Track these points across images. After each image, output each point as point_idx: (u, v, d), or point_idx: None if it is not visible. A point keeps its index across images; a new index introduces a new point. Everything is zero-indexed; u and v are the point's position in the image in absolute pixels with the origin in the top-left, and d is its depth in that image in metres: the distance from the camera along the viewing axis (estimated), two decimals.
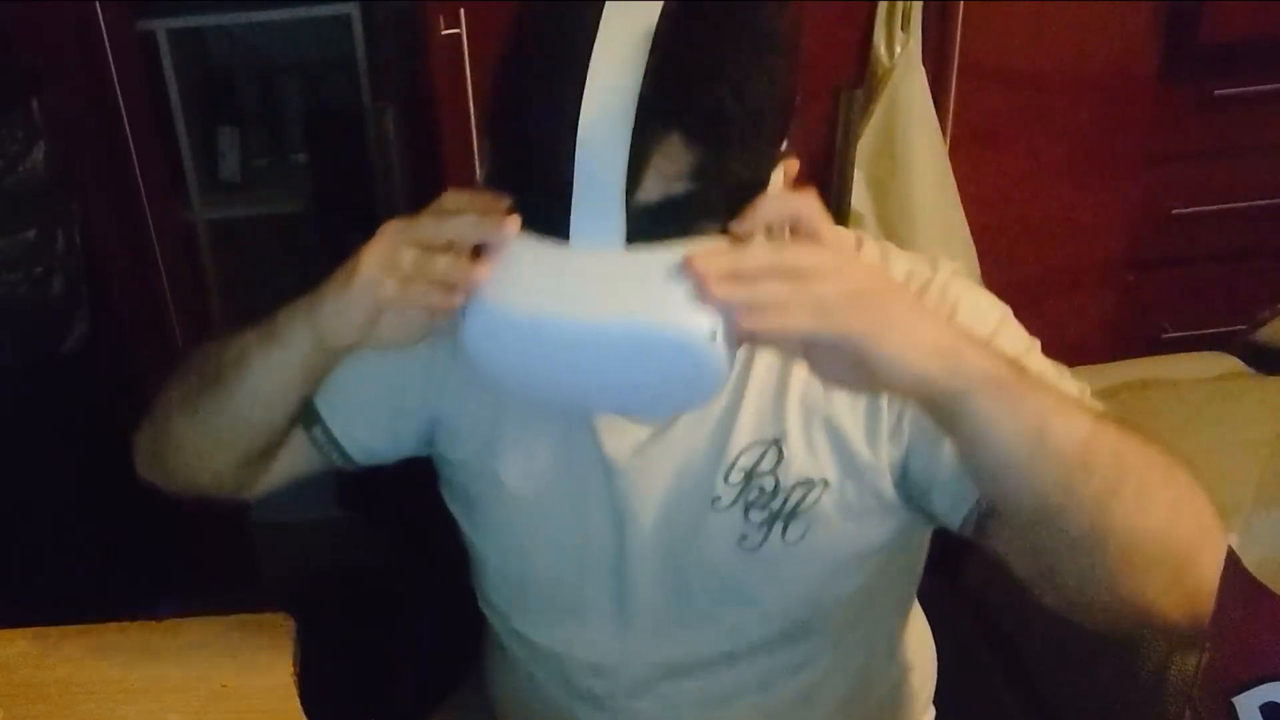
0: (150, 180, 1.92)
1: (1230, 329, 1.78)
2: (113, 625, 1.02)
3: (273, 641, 0.99)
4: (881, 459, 0.84)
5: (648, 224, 0.69)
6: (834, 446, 0.85)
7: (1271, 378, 1.62)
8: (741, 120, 0.70)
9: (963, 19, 1.61)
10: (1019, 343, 0.85)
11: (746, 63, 0.71)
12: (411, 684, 1.37)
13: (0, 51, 1.71)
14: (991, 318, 0.85)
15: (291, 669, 0.97)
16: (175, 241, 2.01)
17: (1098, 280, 1.86)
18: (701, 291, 0.67)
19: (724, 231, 0.71)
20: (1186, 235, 1.88)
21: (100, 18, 1.79)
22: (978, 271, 1.71)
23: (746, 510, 0.87)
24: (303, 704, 0.94)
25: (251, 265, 2.67)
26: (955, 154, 1.66)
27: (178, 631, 1.01)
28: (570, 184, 0.68)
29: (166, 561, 2.12)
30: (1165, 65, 1.70)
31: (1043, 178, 1.76)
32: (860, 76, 1.62)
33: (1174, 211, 1.84)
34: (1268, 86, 1.76)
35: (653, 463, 0.87)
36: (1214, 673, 0.54)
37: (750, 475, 0.86)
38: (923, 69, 1.59)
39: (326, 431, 0.95)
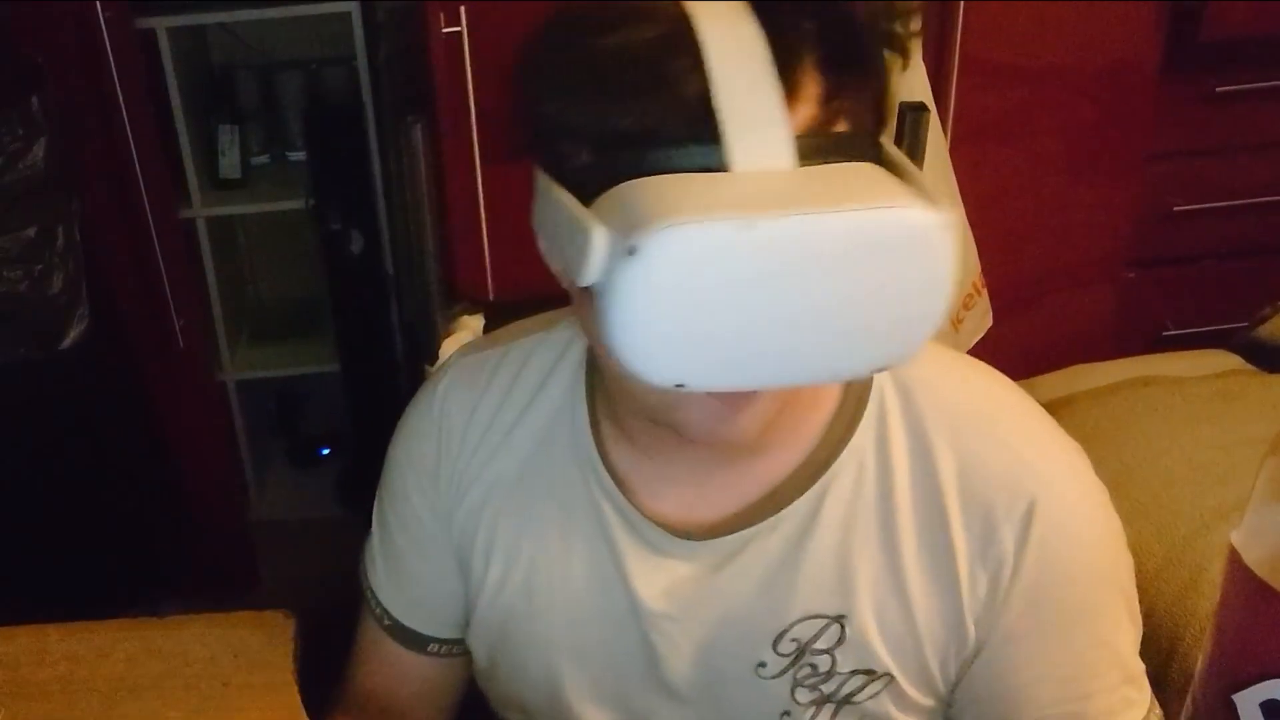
0: (150, 177, 1.92)
1: (1231, 326, 1.77)
2: (113, 623, 1.02)
3: (273, 640, 0.99)
4: (949, 667, 0.76)
5: (801, 151, 0.58)
6: (906, 639, 0.75)
7: (1273, 375, 1.62)
8: (867, 43, 0.65)
9: (964, 16, 1.61)
10: (1110, 616, 0.77)
11: None
12: None
13: (1, 49, 1.71)
14: (1098, 574, 0.75)
15: (292, 666, 0.97)
16: (175, 239, 2.02)
17: (1098, 277, 1.86)
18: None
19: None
20: (1187, 232, 1.87)
21: (100, 15, 1.79)
22: (978, 268, 1.71)
23: (794, 687, 0.77)
24: (303, 702, 0.94)
25: (251, 263, 2.67)
26: (956, 151, 1.66)
27: (178, 629, 1.01)
28: (696, 120, 0.58)
29: (166, 561, 2.12)
30: (1167, 62, 1.70)
31: (1044, 175, 1.76)
32: None
33: (1175, 208, 1.84)
34: (1269, 83, 1.75)
35: (691, 610, 0.78)
36: (1214, 670, 0.53)
37: (803, 650, 0.76)
38: (923, 66, 1.59)
39: (444, 642, 0.93)
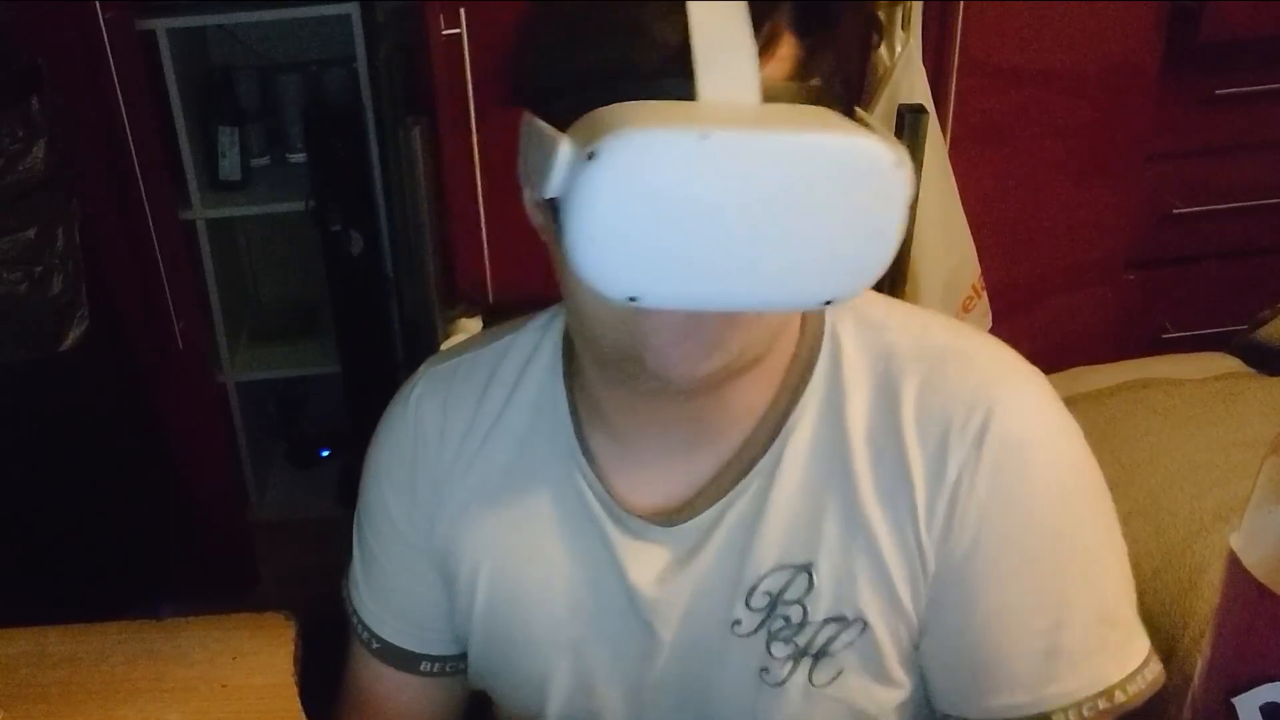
0: (150, 179, 1.93)
1: (1230, 328, 1.78)
2: (113, 625, 1.02)
3: (273, 641, 0.99)
4: (920, 601, 0.75)
5: (769, 92, 0.60)
6: (876, 580, 0.75)
7: (1272, 378, 1.62)
8: (841, 14, 0.66)
9: (963, 18, 1.61)
10: (1082, 533, 0.76)
11: None
12: None
13: (1, 49, 1.71)
14: (1060, 493, 0.75)
15: (292, 669, 0.97)
16: (175, 240, 2.02)
17: (1098, 279, 1.86)
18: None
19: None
20: (1187, 234, 1.88)
21: (100, 17, 1.79)
22: (978, 270, 1.71)
23: (769, 641, 0.77)
24: (303, 704, 0.94)
25: (251, 264, 2.67)
26: (955, 152, 1.66)
27: (178, 631, 1.01)
28: (669, 59, 0.60)
29: (166, 561, 2.12)
30: (1166, 63, 1.70)
31: (1043, 176, 1.76)
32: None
33: (1174, 210, 1.84)
34: (1268, 85, 1.76)
35: (676, 588, 0.79)
36: (1214, 672, 0.53)
37: (775, 602, 0.76)
38: (923, 68, 1.59)
39: (436, 660, 0.91)
